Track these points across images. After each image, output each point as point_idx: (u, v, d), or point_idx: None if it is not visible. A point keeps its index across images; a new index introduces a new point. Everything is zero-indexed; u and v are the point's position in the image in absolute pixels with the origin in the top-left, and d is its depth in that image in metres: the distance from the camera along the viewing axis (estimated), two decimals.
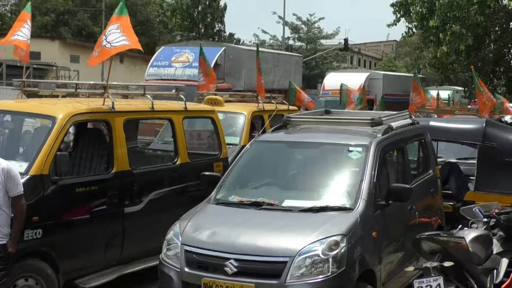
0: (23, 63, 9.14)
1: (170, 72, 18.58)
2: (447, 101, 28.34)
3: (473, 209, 6.70)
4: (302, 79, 30.63)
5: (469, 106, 21.49)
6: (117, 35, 7.33)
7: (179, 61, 19.14)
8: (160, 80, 16.97)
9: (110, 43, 7.28)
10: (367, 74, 32.22)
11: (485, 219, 6.45)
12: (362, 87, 27.01)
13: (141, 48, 7.54)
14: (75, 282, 6.74)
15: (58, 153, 6.52)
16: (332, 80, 29.01)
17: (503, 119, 17.68)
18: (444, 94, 30.38)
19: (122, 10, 7.53)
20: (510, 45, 19.81)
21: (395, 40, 75.58)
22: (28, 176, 6.19)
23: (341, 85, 21.48)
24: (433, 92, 28.63)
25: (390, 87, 30.54)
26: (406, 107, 20.47)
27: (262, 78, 13.59)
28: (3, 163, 5.52)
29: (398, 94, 29.76)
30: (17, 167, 6.08)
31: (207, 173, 7.35)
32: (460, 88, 38.85)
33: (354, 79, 27.84)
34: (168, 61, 19.50)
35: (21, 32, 8.52)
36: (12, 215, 5.61)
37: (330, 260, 5.39)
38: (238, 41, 59.13)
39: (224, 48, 19.62)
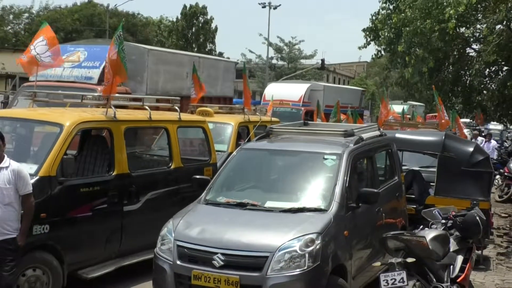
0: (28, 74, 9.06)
1: (57, 72, 14.02)
2: (407, 115, 28.13)
3: (433, 212, 6.73)
4: None
5: (427, 121, 21.60)
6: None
7: (69, 60, 14.48)
8: (46, 81, 13.08)
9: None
10: (308, 85, 28.93)
11: (443, 221, 6.48)
12: (302, 98, 25.62)
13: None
14: (78, 273, 6.72)
15: (65, 156, 6.51)
16: (273, 91, 25.85)
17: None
18: (401, 108, 29.93)
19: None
20: (466, 68, 19.97)
21: (366, 61, 76.15)
22: (37, 177, 6.17)
23: (318, 101, 21.49)
24: (395, 107, 28.53)
25: (331, 98, 27.21)
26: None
27: (250, 93, 13.57)
28: (14, 165, 5.50)
29: (339, 106, 26.37)
30: (28, 168, 6.05)
31: (198, 176, 7.34)
32: (416, 103, 38.50)
33: (295, 90, 26.22)
34: None
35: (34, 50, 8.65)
36: (22, 211, 5.58)
37: (307, 255, 5.40)
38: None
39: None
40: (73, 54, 14.49)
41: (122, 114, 7.62)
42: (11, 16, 52.87)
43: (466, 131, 19.73)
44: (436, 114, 18.44)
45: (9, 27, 52.00)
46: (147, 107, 8.18)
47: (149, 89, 14.90)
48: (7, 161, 5.49)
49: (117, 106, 7.73)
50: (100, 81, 12.46)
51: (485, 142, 20.59)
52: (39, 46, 8.67)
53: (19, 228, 5.50)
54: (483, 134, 22.97)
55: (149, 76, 14.94)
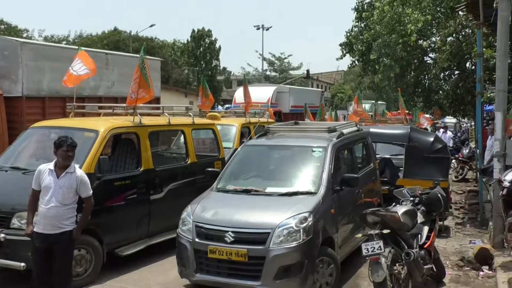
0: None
1: None
2: (369, 112, 27.58)
3: (403, 191, 6.72)
4: None
5: (390, 117, 21.51)
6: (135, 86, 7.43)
7: None
8: None
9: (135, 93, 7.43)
10: (275, 87, 26.01)
11: (411, 198, 6.48)
12: (270, 99, 23.08)
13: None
14: (115, 251, 6.73)
15: (101, 157, 6.50)
16: (243, 94, 23.64)
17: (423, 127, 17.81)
18: (366, 106, 29.17)
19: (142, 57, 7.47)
20: (425, 73, 19.94)
21: (343, 70, 75.85)
22: None
23: (305, 104, 21.27)
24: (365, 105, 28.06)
25: (296, 100, 25.03)
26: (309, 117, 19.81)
27: (251, 100, 13.45)
28: (78, 172, 5.21)
29: (303, 106, 23.90)
30: None
31: (210, 169, 7.36)
32: (379, 102, 37.55)
33: (263, 93, 23.41)
34: None
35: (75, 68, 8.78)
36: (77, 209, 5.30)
37: (301, 230, 5.40)
38: (229, 73, 59.09)
39: None
40: None
41: (146, 120, 7.60)
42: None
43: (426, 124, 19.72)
44: (399, 111, 18.55)
45: None
46: (166, 114, 8.17)
47: (25, 89, 10.61)
48: (72, 167, 5.18)
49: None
50: None
51: (443, 133, 20.60)
52: (76, 65, 8.74)
53: (74, 222, 5.21)
54: (440, 127, 23.01)
55: (26, 75, 10.60)
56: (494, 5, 7.75)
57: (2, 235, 5.70)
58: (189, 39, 51.95)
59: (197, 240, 5.63)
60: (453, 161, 16.72)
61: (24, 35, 48.38)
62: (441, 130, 21.07)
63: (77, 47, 11.07)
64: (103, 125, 6.93)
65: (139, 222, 7.11)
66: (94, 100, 11.73)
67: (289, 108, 24.47)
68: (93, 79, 11.80)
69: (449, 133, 21.21)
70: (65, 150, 5.05)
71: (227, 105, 35.85)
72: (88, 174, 6.21)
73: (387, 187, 9.12)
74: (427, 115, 21.57)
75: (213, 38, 51.56)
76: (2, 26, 44.92)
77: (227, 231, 5.46)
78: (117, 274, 6.67)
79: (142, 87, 7.43)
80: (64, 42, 52.49)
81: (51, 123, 7.62)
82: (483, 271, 7.00)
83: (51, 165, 5.14)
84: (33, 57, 10.74)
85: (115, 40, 50.86)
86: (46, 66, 11.12)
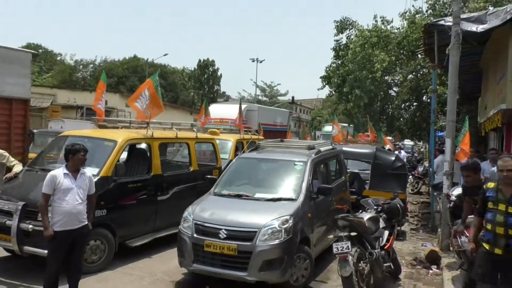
0: (101, 117, 8.86)
1: None
2: (350, 135, 27.38)
3: (368, 201, 6.72)
4: None
5: (359, 139, 21.58)
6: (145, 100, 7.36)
7: None
8: None
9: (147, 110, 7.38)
10: (244, 106, 22.26)
11: (375, 207, 6.47)
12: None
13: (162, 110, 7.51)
14: (126, 242, 6.64)
15: (118, 162, 6.44)
16: (215, 111, 20.13)
17: (384, 147, 17.93)
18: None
19: (154, 77, 7.48)
20: (389, 103, 20.20)
21: (322, 98, 76.12)
22: (99, 177, 6.10)
23: (289, 125, 21.27)
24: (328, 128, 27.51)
25: (264, 118, 22.55)
26: (277, 134, 19.19)
27: (242, 119, 13.46)
28: (87, 172, 5.05)
29: (271, 124, 23.08)
30: (92, 171, 5.95)
31: (209, 176, 7.30)
32: (345, 124, 36.54)
33: (233, 110, 20.13)
34: None
35: (101, 102, 8.83)
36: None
37: (283, 230, 5.37)
38: (228, 97, 59.26)
39: None
40: None
41: (157, 133, 7.57)
42: (81, 66, 52.57)
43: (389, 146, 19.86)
44: (368, 133, 18.73)
45: (80, 73, 51.63)
46: (174, 129, 8.14)
47: None
48: (82, 168, 5.03)
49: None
50: None
51: (398, 152, 20.76)
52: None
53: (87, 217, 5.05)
54: (397, 147, 23.23)
55: None
56: (447, 51, 7.90)
57: (31, 226, 5.60)
58: (196, 67, 52.15)
59: (195, 235, 5.57)
60: (410, 177, 16.81)
61: (58, 58, 48.21)
62: (402, 151, 21.22)
63: None
64: (121, 136, 6.89)
65: (147, 218, 7.03)
66: None
67: (258, 125, 23.85)
68: None
69: (403, 153, 21.33)
70: (82, 155, 4.88)
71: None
72: (106, 177, 6.21)
73: (355, 197, 9.09)
74: (389, 138, 21.75)
75: (215, 67, 51.88)
76: (40, 50, 44.78)
77: (221, 229, 5.41)
78: (126, 262, 6.58)
79: (156, 105, 7.42)
80: (91, 65, 52.40)
81: (77, 133, 7.54)
82: (432, 269, 6.99)
83: (63, 170, 4.86)
84: None
85: (134, 65, 50.87)
86: None
